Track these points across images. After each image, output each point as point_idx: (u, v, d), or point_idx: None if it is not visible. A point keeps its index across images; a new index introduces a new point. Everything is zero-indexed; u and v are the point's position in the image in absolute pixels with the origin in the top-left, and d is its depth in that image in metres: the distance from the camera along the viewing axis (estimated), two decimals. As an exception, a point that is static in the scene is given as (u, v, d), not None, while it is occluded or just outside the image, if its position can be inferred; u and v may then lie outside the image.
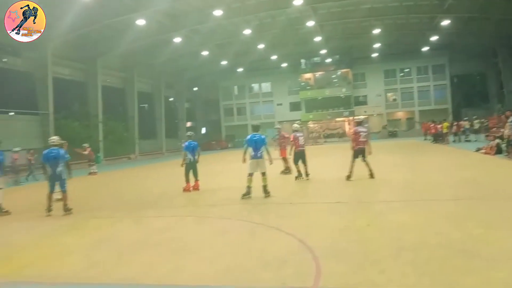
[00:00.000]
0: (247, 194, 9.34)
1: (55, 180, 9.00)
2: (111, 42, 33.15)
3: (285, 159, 14.09)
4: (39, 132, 29.31)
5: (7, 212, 9.42)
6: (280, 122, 16.66)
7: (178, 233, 6.66)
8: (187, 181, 11.41)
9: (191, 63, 45.72)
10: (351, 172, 11.13)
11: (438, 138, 28.91)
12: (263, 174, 9.43)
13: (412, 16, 37.07)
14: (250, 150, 9.44)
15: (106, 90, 36.59)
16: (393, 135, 48.77)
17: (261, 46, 41.98)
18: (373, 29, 39.16)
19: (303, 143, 12.23)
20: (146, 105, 46.69)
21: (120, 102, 41.13)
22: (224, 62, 47.61)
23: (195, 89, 57.74)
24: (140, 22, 29.22)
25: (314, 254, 4.80)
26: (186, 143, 11.58)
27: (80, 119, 32.37)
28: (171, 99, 52.79)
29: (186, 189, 11.35)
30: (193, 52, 41.33)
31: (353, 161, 11.24)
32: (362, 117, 28.64)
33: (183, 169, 11.55)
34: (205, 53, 41.72)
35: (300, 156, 12.07)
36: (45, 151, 9.24)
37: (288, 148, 13.25)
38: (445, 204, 7.55)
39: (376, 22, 38.45)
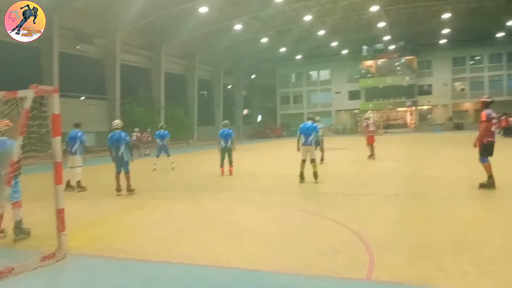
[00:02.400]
0: (301, 179, 9.97)
1: (119, 161, 9.45)
2: (175, 29, 34.41)
3: (371, 146, 15.11)
4: (107, 116, 31.26)
5: (84, 189, 10.27)
6: (369, 111, 16.37)
7: (234, 216, 6.86)
8: (221, 165, 12.13)
9: (250, 51, 46.05)
10: (490, 176, 7.92)
11: (510, 131, 26.79)
12: (312, 161, 9.85)
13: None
14: (302, 138, 9.92)
15: (168, 76, 38.22)
16: (458, 127, 45.72)
17: (321, 32, 41.20)
18: (443, 14, 36.89)
19: (321, 134, 13.59)
20: (205, 92, 47.91)
21: (181, 89, 42.60)
22: (282, 49, 47.43)
23: (253, 76, 58.12)
24: (203, 9, 29.94)
25: (368, 246, 4.74)
26: (220, 131, 12.34)
27: (144, 104, 34.00)
28: (229, 86, 53.69)
29: (221, 173, 12.12)
30: (252, 39, 41.61)
31: (486, 160, 7.94)
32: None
33: (233, 155, 12.10)
34: (264, 40, 41.84)
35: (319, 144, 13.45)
36: (110, 135, 9.77)
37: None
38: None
39: (447, 6, 36.18)
